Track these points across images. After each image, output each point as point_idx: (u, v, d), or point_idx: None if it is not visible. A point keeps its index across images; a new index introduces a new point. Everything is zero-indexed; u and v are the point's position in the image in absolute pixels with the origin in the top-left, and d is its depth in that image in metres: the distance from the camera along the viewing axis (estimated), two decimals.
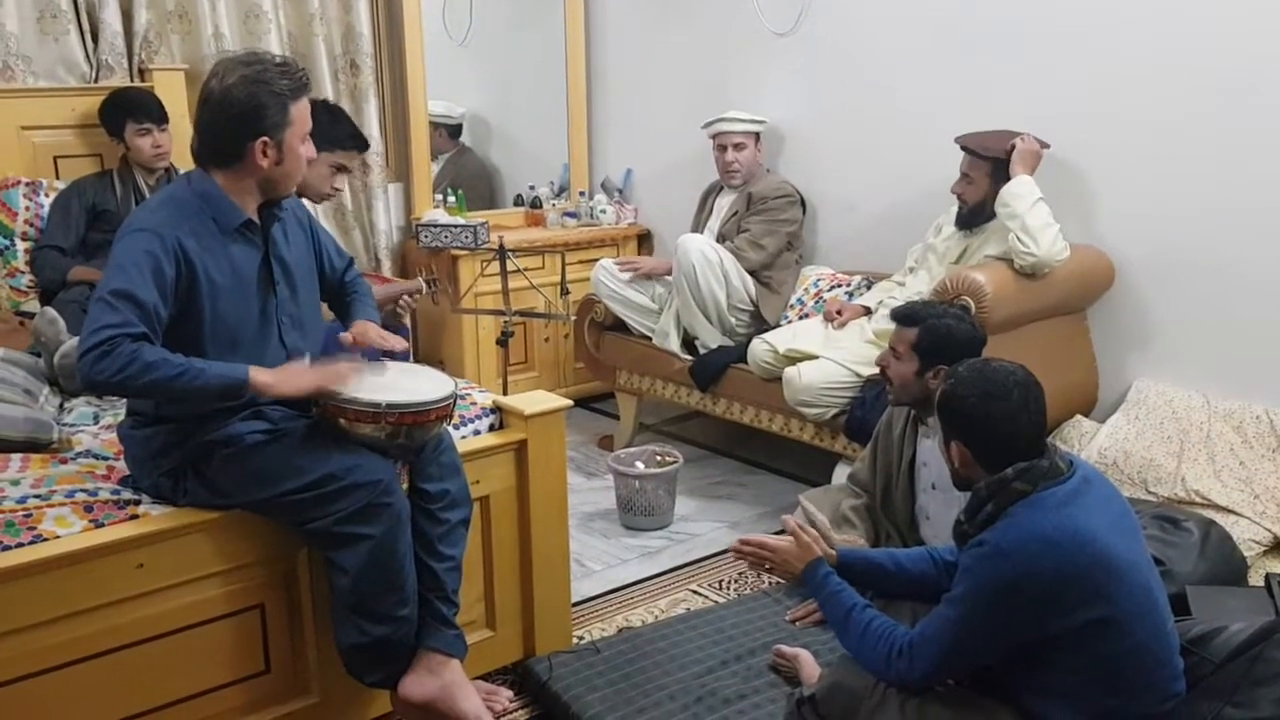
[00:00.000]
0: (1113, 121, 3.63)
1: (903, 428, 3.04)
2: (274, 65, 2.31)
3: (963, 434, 2.14)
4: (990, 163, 3.59)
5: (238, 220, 2.33)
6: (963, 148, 3.65)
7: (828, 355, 3.69)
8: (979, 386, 2.11)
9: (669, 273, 4.28)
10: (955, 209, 3.74)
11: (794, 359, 3.75)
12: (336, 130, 3.20)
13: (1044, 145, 3.61)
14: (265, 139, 2.29)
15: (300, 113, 2.34)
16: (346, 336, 2.59)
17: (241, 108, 2.26)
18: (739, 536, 2.50)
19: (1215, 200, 3.44)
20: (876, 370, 3.51)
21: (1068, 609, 1.97)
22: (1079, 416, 3.67)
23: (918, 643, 2.10)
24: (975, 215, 3.68)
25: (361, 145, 3.32)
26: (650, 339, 4.38)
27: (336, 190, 3.28)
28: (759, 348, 3.89)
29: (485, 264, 4.16)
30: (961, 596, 2.05)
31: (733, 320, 4.18)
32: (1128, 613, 1.99)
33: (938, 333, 2.81)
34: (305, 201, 3.24)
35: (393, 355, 2.76)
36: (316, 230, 2.64)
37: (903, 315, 2.92)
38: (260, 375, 2.23)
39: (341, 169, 3.24)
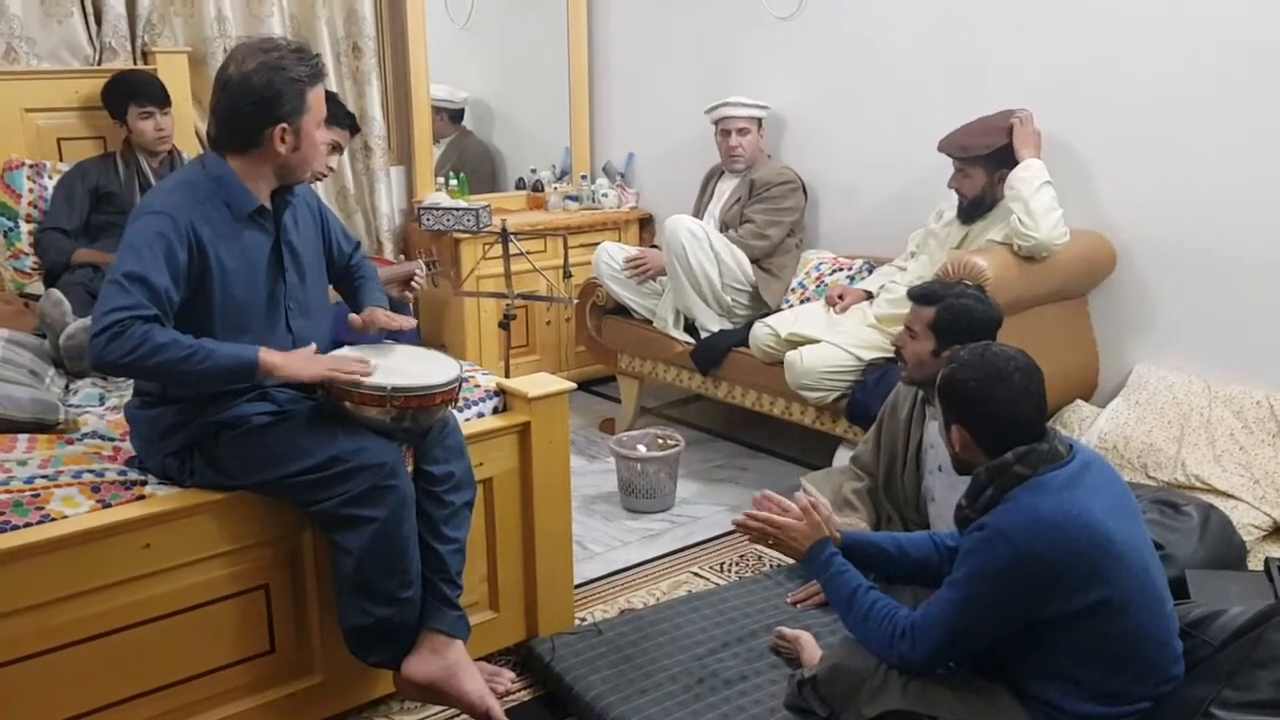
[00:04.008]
0: (1115, 106, 3.63)
1: (909, 410, 3.05)
2: (291, 52, 2.32)
3: (963, 417, 2.15)
4: (981, 158, 3.60)
5: (251, 206, 2.34)
6: (948, 155, 3.66)
7: (829, 339, 3.70)
8: (980, 370, 2.12)
9: None
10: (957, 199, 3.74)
11: (795, 343, 3.76)
12: (331, 108, 3.24)
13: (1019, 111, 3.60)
14: (284, 126, 2.30)
15: (316, 99, 2.36)
16: (356, 319, 2.61)
17: (260, 95, 2.27)
18: (745, 510, 2.45)
19: (1218, 186, 3.44)
20: (878, 354, 3.55)
21: (1067, 591, 1.98)
22: (1079, 401, 3.68)
23: (920, 625, 2.11)
24: (975, 208, 3.66)
25: (354, 126, 3.38)
26: (651, 322, 4.39)
27: (330, 169, 3.33)
28: (761, 331, 3.90)
29: (487, 247, 4.16)
30: (963, 579, 2.06)
31: (729, 300, 4.19)
32: (1127, 595, 2.00)
33: (956, 311, 2.81)
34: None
35: (401, 335, 2.77)
36: (326, 216, 2.65)
37: (920, 294, 2.92)
38: (270, 357, 2.24)
39: (336, 147, 3.30)
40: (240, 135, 2.32)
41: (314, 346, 2.38)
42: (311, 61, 2.34)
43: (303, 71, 2.31)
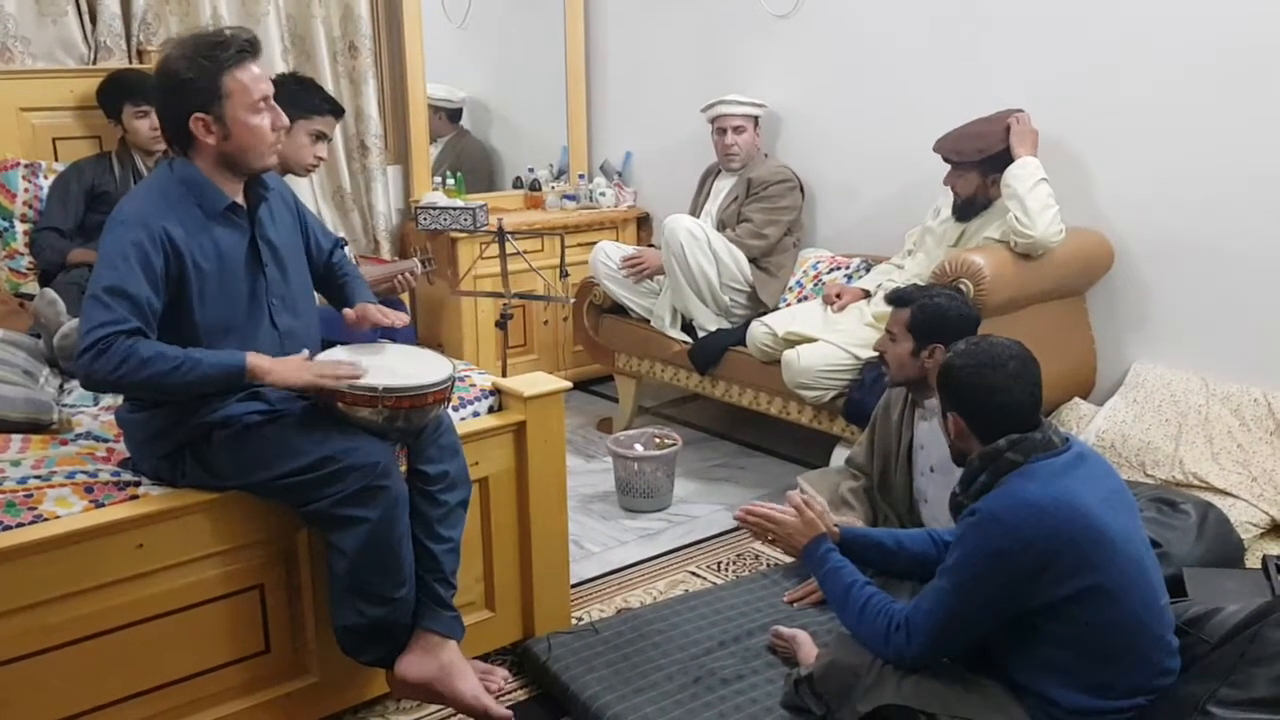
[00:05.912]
0: (1113, 104, 3.62)
1: (900, 411, 3.05)
2: (210, 37, 2.26)
3: (958, 403, 2.18)
4: (973, 163, 3.59)
5: (221, 204, 2.32)
6: (942, 157, 3.66)
7: (826, 338, 3.69)
8: (975, 357, 2.16)
9: None
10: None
11: (793, 341, 3.75)
12: (308, 98, 3.20)
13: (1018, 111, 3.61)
14: (200, 115, 2.25)
15: (239, 83, 2.25)
16: (350, 313, 2.59)
17: (175, 85, 2.24)
18: (744, 505, 2.51)
19: (1216, 183, 3.43)
20: (876, 353, 3.54)
21: (1059, 577, 1.99)
22: (1077, 399, 3.67)
23: (914, 617, 2.11)
24: (969, 206, 3.67)
25: (337, 110, 3.33)
26: (649, 321, 4.38)
27: (320, 159, 3.29)
28: (758, 330, 3.89)
29: (484, 246, 4.15)
30: (955, 565, 2.07)
31: (726, 300, 4.19)
32: (1119, 583, 2.01)
33: (931, 311, 2.85)
34: (291, 177, 3.25)
35: (397, 334, 2.76)
36: (302, 211, 2.63)
37: (896, 297, 2.97)
38: (258, 361, 2.23)
39: (320, 136, 3.26)
40: (173, 131, 2.29)
41: (305, 353, 2.37)
42: (232, 44, 2.24)
43: (218, 55, 2.22)
